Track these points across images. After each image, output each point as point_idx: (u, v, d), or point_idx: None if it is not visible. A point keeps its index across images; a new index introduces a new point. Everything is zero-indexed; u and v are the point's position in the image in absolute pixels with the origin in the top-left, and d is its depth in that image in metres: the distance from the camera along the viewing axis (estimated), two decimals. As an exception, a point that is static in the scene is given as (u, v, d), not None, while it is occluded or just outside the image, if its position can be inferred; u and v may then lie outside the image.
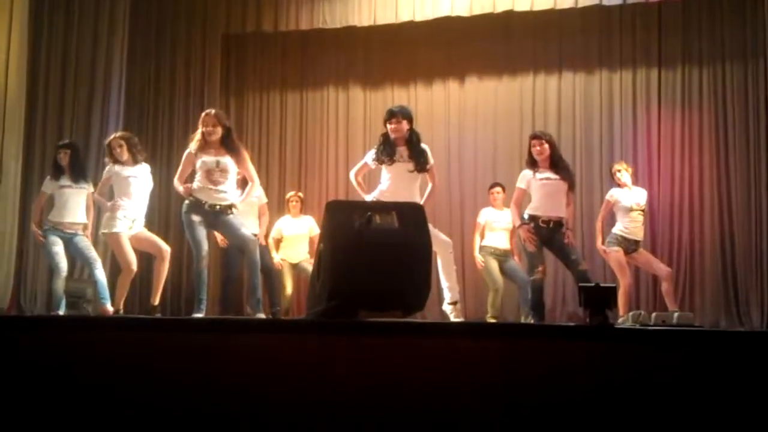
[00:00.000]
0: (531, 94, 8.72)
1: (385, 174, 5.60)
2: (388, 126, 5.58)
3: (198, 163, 5.70)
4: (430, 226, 4.40)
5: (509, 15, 8.26)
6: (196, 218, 5.66)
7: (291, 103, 9.27)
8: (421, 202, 5.36)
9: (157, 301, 6.29)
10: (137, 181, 6.25)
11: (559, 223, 5.85)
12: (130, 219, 6.16)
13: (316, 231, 7.37)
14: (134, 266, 6.18)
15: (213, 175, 5.64)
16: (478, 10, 8.23)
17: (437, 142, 8.15)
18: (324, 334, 3.18)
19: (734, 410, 2.78)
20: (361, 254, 3.71)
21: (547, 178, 5.91)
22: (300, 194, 8.06)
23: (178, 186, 5.81)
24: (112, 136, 6.42)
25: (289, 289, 7.64)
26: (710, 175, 8.02)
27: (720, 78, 8.11)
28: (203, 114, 5.80)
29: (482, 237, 7.39)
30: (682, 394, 2.82)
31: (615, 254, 6.63)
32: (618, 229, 6.68)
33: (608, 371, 2.89)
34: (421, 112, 8.32)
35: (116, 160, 6.24)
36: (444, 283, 5.53)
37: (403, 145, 5.56)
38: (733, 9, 8.05)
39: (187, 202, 5.71)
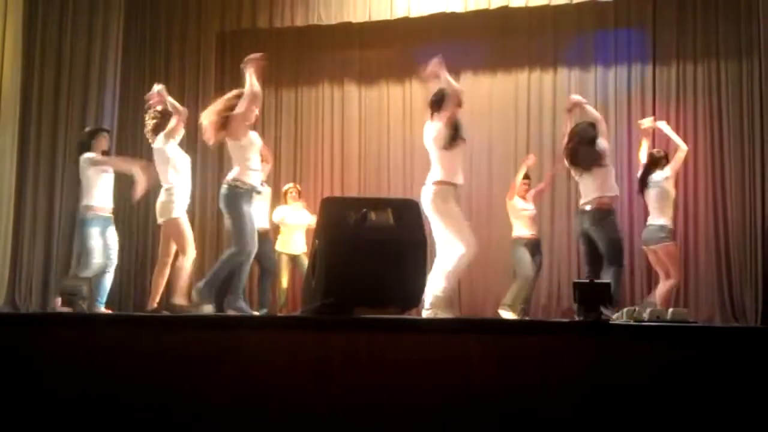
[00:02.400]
0: (526, 90, 8.71)
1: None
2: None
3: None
4: None
5: (504, 11, 8.26)
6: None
7: (286, 99, 9.24)
8: None
9: (155, 305, 6.16)
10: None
11: None
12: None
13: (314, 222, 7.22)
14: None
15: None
16: (473, 6, 8.24)
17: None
18: (321, 331, 3.19)
19: (729, 405, 2.79)
20: (356, 251, 3.72)
21: None
22: (298, 186, 8.02)
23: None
24: None
25: (284, 282, 7.58)
26: (705, 170, 8.01)
27: (715, 74, 8.10)
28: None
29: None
30: (677, 390, 2.83)
31: (675, 248, 6.39)
32: (668, 220, 6.34)
33: (603, 367, 2.90)
34: (417, 109, 8.30)
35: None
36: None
37: None
38: (728, 5, 8.04)
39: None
